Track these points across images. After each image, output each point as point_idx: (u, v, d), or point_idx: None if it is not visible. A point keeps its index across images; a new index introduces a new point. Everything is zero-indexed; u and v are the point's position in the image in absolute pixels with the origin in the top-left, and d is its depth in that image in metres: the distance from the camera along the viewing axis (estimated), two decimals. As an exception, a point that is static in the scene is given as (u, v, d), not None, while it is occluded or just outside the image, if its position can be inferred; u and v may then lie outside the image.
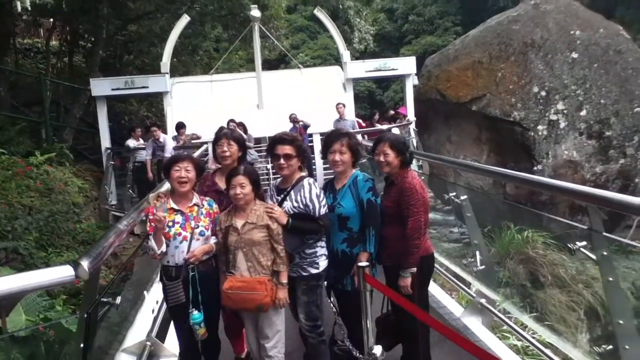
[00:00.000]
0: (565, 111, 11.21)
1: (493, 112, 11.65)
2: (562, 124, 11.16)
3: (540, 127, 11.15)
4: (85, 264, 2.42)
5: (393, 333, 3.84)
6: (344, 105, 12.37)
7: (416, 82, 14.64)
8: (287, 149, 3.68)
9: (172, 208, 3.67)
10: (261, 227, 3.52)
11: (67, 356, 5.57)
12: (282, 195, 3.75)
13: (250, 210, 3.58)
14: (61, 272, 2.32)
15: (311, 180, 3.78)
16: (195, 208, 3.72)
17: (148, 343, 4.34)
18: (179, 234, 3.62)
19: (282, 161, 3.67)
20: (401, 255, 3.70)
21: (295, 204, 3.66)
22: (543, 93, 11.34)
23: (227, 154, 4.00)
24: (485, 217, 6.97)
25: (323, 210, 3.66)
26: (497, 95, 11.68)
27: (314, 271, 3.68)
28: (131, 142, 12.59)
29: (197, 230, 3.64)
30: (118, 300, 3.35)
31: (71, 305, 6.85)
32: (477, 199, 6.58)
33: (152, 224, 3.52)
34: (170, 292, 3.58)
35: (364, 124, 14.34)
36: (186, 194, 3.71)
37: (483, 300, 4.74)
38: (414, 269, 3.69)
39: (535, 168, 10.93)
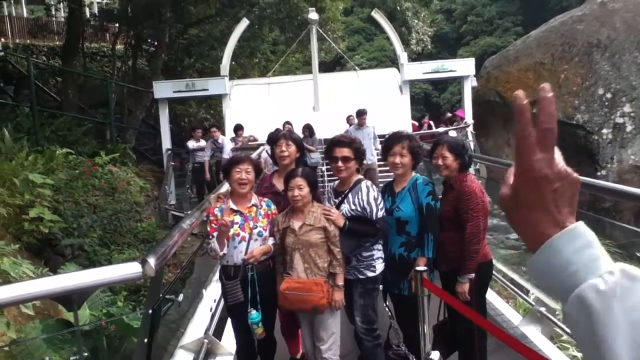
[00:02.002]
0: (632, 114, 10.75)
1: (555, 114, 11.32)
2: (629, 128, 10.70)
3: (604, 131, 10.74)
4: (151, 261, 2.51)
5: (449, 341, 3.79)
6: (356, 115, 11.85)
7: (475, 83, 14.36)
8: (345, 152, 3.68)
9: (231, 209, 3.70)
10: (318, 229, 3.53)
11: (127, 350, 5.79)
12: (339, 198, 3.76)
13: (308, 212, 3.59)
14: (129, 269, 2.39)
15: (369, 183, 3.78)
16: (254, 209, 3.75)
17: (205, 340, 4.45)
18: (238, 235, 3.65)
19: (340, 164, 3.68)
20: (459, 261, 3.64)
21: (353, 207, 3.67)
22: (608, 95, 10.92)
23: (286, 154, 4.01)
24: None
25: (380, 214, 3.65)
26: (560, 97, 11.33)
27: (370, 274, 3.68)
28: (191, 143, 12.92)
29: (255, 231, 3.67)
30: (180, 297, 3.46)
31: (131, 301, 7.11)
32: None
33: (215, 224, 3.57)
34: (229, 292, 3.62)
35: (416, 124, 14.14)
36: (245, 194, 3.74)
37: (542, 309, 4.61)
38: (472, 275, 3.63)
39: (598, 173, 10.53)
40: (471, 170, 4.56)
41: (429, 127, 13.98)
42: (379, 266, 3.72)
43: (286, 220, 3.64)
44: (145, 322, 2.84)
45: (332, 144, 3.78)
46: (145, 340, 2.86)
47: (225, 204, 3.75)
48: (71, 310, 4.40)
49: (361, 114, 10.57)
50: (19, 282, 2.02)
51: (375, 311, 3.76)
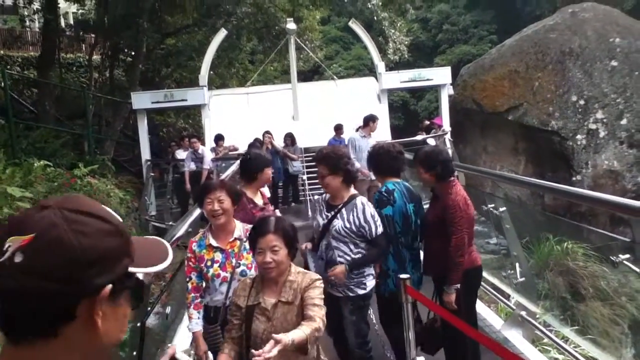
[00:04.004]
0: (605, 120, 11.04)
1: (530, 121, 11.55)
2: (602, 133, 10.98)
3: (579, 137, 11.01)
4: (140, 275, 2.53)
5: (439, 337, 3.83)
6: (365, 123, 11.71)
7: (451, 92, 14.59)
8: (321, 169, 3.69)
9: (210, 245, 3.30)
10: (299, 305, 2.62)
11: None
12: (332, 212, 3.69)
13: (284, 282, 2.67)
14: None
15: (364, 199, 3.71)
16: (237, 243, 3.31)
17: (192, 352, 4.46)
18: (218, 275, 3.26)
19: (321, 179, 3.70)
20: (445, 270, 3.69)
21: (348, 225, 3.59)
22: (582, 102, 11.20)
23: (219, 211, 3.28)
24: (523, 228, 6.91)
25: (379, 231, 3.61)
26: (535, 105, 11.58)
27: (361, 292, 3.66)
28: (180, 153, 12.78)
29: (238, 270, 3.25)
30: (168, 310, 3.47)
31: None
32: (515, 210, 6.53)
33: (192, 263, 3.28)
34: (210, 337, 3.30)
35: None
36: (224, 226, 3.31)
37: (523, 313, 4.71)
38: (458, 286, 3.68)
39: (574, 178, 10.78)
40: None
41: (439, 127, 14.05)
42: (369, 283, 3.71)
43: (253, 295, 2.69)
44: (135, 335, 2.86)
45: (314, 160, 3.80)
46: (135, 353, 2.89)
47: (205, 238, 3.33)
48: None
49: (373, 120, 9.11)
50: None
51: (367, 324, 3.80)
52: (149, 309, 2.97)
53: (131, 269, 0.91)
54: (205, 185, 3.49)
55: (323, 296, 2.65)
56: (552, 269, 7.52)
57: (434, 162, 3.82)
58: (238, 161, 10.43)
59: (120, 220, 0.95)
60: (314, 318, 2.48)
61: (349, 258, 3.60)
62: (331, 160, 3.65)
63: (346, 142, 9.52)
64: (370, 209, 3.62)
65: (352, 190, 3.74)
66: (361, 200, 3.66)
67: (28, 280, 0.80)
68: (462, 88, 13.66)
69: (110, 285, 0.86)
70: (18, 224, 0.86)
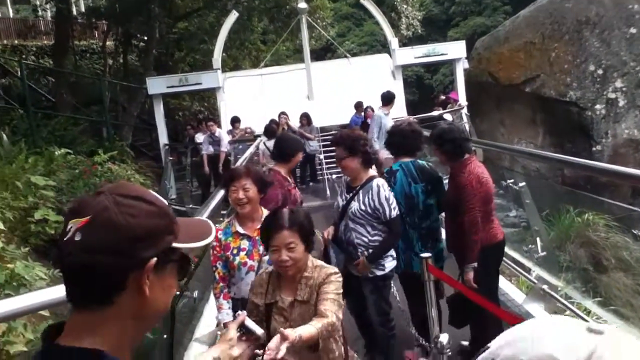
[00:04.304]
0: (624, 89, 10.86)
1: (547, 92, 11.41)
2: (621, 102, 10.82)
3: (598, 107, 10.86)
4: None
5: (463, 313, 3.84)
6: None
7: (467, 65, 14.44)
8: (339, 151, 3.72)
9: (237, 232, 3.20)
10: (313, 302, 2.48)
11: (140, 346, 5.90)
12: (351, 194, 3.73)
13: (300, 279, 2.52)
14: None
15: (381, 181, 3.70)
16: None
17: (218, 332, 4.56)
18: (245, 264, 3.16)
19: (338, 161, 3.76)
20: (463, 249, 3.74)
21: (363, 207, 3.61)
22: (600, 71, 11.02)
23: (244, 200, 3.21)
24: (543, 200, 6.89)
25: (394, 214, 3.61)
26: (552, 76, 11.42)
27: (379, 273, 3.71)
28: (199, 137, 12.85)
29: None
30: (195, 293, 3.56)
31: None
32: (534, 183, 6.52)
33: (217, 252, 3.18)
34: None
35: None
36: (250, 213, 3.21)
37: (545, 287, 4.73)
38: (475, 264, 3.71)
39: (594, 149, 10.67)
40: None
41: (455, 101, 13.96)
42: (389, 264, 3.75)
43: (269, 293, 2.56)
44: (165, 318, 2.95)
45: (332, 142, 3.83)
46: (166, 335, 2.98)
47: (231, 225, 3.23)
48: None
49: (391, 98, 9.12)
50: (45, 288, 2.09)
51: (387, 303, 3.85)
52: (179, 292, 3.05)
53: (174, 245, 1.03)
54: (231, 173, 3.38)
55: (340, 290, 2.51)
56: (573, 241, 7.51)
57: (444, 141, 3.82)
58: (255, 143, 10.54)
59: (166, 203, 1.08)
60: (326, 313, 2.35)
61: (365, 240, 3.63)
62: (348, 141, 3.66)
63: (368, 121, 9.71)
64: (385, 192, 3.62)
65: (371, 172, 3.76)
66: (377, 182, 3.65)
67: (86, 256, 0.94)
68: (477, 61, 13.49)
69: (155, 259, 0.98)
70: (78, 208, 1.00)
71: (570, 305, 4.63)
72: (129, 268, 0.97)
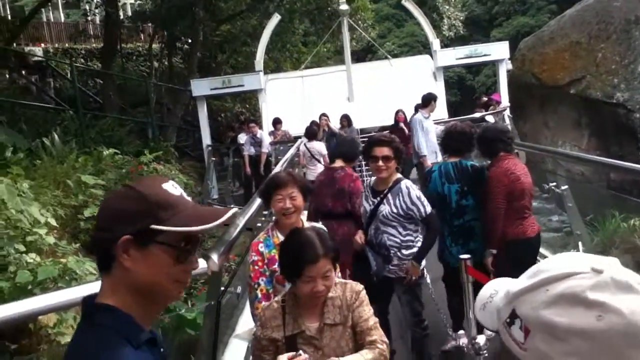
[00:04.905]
0: (674, 90, 10.53)
1: (594, 94, 11.14)
2: (672, 104, 10.48)
3: (646, 109, 10.55)
4: (214, 257, 2.72)
5: None
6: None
7: (510, 67, 14.22)
8: (386, 151, 3.66)
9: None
10: (345, 325, 2.30)
11: (181, 341, 6.08)
12: (378, 198, 3.76)
13: (325, 300, 2.30)
14: None
15: (409, 182, 3.79)
16: None
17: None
18: None
19: (380, 163, 3.65)
20: (486, 235, 4.06)
21: (395, 210, 3.67)
22: (649, 72, 10.71)
23: (291, 209, 3.02)
24: (587, 204, 6.78)
25: (429, 209, 3.69)
26: (598, 77, 11.15)
27: None
28: (242, 137, 13.02)
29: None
30: (239, 289, 3.67)
31: (184, 293, 7.41)
32: (578, 186, 6.41)
33: (259, 267, 2.92)
34: None
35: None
36: (295, 223, 3.00)
37: (587, 292, 4.66)
38: (494, 251, 3.96)
39: (641, 152, 10.36)
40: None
41: (497, 103, 13.78)
42: (421, 265, 3.80)
43: (290, 322, 2.28)
44: (211, 313, 3.06)
45: (372, 143, 3.78)
46: (212, 329, 3.10)
47: (272, 237, 2.99)
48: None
49: (435, 99, 8.93)
50: (94, 282, 2.23)
51: (421, 302, 3.89)
52: (223, 288, 3.16)
53: (155, 227, 1.18)
54: (275, 181, 3.14)
55: (372, 309, 2.40)
56: (618, 247, 7.33)
57: (480, 139, 4.25)
58: (296, 145, 10.66)
59: (177, 194, 1.24)
60: (375, 343, 2.24)
61: (398, 240, 3.71)
62: (396, 144, 3.73)
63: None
64: (415, 191, 3.73)
65: (397, 175, 3.81)
66: (405, 184, 3.73)
67: (94, 232, 1.29)
68: (521, 62, 13.28)
69: (127, 236, 1.17)
70: None
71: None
72: (109, 241, 1.17)
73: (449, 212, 4.15)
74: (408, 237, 3.72)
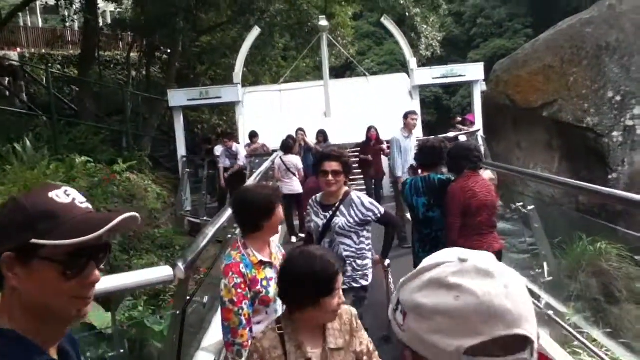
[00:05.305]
0: (642, 117, 10.83)
1: (565, 117, 11.41)
2: (639, 130, 10.77)
3: (615, 134, 10.83)
4: (181, 265, 2.71)
5: None
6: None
7: (484, 88, 14.47)
8: (335, 165, 3.71)
9: (260, 261, 2.83)
10: (350, 349, 2.25)
11: (147, 354, 5.97)
12: (330, 212, 3.80)
13: (325, 324, 2.24)
14: (162, 272, 2.63)
15: (358, 193, 3.95)
16: (277, 256, 2.96)
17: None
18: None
19: (330, 177, 3.70)
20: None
21: (351, 220, 3.73)
22: (618, 98, 11.01)
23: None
24: (556, 227, 6.88)
25: (382, 210, 3.85)
26: (569, 101, 11.43)
27: (364, 283, 3.80)
28: (218, 149, 12.89)
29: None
30: (205, 299, 3.64)
31: (151, 306, 7.31)
32: (547, 209, 6.51)
33: (242, 290, 2.70)
34: None
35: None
36: (265, 239, 2.95)
37: (551, 312, 4.73)
38: None
39: (610, 176, 10.62)
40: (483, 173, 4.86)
41: (472, 123, 13.98)
42: (370, 275, 3.87)
43: (292, 351, 2.15)
44: (175, 323, 3.04)
45: (322, 158, 3.83)
46: (175, 338, 3.06)
47: (247, 255, 2.81)
48: (108, 310, 4.64)
49: (405, 116, 8.57)
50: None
51: (362, 319, 3.91)
52: (188, 297, 3.13)
53: (35, 241, 1.08)
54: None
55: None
56: (585, 270, 7.46)
57: (448, 157, 4.45)
58: (271, 158, 10.66)
59: (67, 201, 1.14)
60: None
61: (353, 249, 3.77)
62: (345, 159, 3.81)
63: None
64: (366, 198, 3.85)
65: (345, 188, 3.89)
66: (356, 194, 3.86)
67: None
68: (495, 84, 13.55)
69: (8, 253, 1.08)
70: None
71: (577, 335, 4.60)
72: None
73: (417, 221, 4.59)
74: (362, 245, 3.80)
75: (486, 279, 0.81)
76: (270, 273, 2.79)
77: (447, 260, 0.85)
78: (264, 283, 2.76)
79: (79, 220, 1.11)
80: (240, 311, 2.66)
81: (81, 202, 1.16)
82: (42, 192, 1.14)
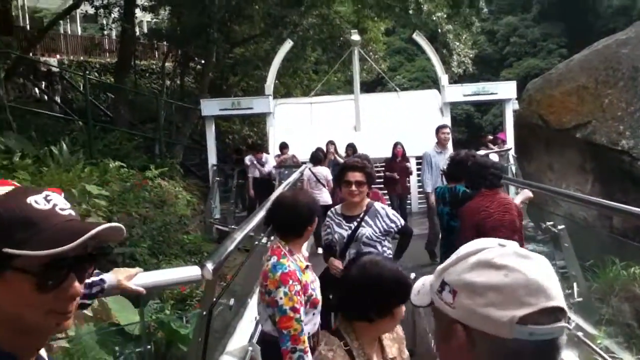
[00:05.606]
0: (679, 140, 10.58)
1: (599, 139, 11.20)
2: (676, 154, 10.53)
3: (651, 157, 10.58)
4: (209, 265, 2.75)
5: None
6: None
7: (516, 107, 14.34)
8: (358, 176, 3.74)
9: (307, 266, 2.93)
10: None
11: (172, 357, 6.04)
12: (354, 223, 3.81)
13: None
14: (191, 272, 2.70)
15: (380, 204, 4.03)
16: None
17: (250, 348, 4.63)
18: (318, 301, 2.87)
19: (353, 188, 3.73)
20: None
21: (377, 230, 3.79)
22: (655, 121, 10.78)
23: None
24: (588, 250, 6.77)
25: (402, 222, 3.97)
26: (604, 122, 11.22)
27: None
28: (249, 158, 12.95)
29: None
30: (232, 302, 3.67)
31: (178, 310, 7.41)
32: (579, 230, 6.41)
33: (299, 296, 2.71)
34: None
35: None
36: (302, 245, 3.03)
37: (580, 334, 4.64)
38: None
39: (644, 200, 10.36)
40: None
41: (503, 142, 13.92)
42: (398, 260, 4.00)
43: None
44: (201, 322, 3.07)
45: (345, 168, 3.89)
46: (201, 339, 3.10)
47: (296, 260, 2.86)
48: (137, 306, 4.75)
49: (436, 131, 8.38)
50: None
51: None
52: (214, 299, 3.16)
53: (6, 250, 0.98)
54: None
55: None
56: (618, 295, 7.29)
57: (467, 173, 4.56)
58: (300, 169, 10.73)
59: (47, 207, 1.04)
60: None
61: None
62: (369, 170, 3.83)
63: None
64: (389, 210, 3.96)
65: (367, 199, 3.94)
66: (379, 205, 3.94)
67: None
68: (528, 103, 13.40)
69: None
70: None
71: (608, 358, 4.51)
72: None
73: (443, 228, 5.01)
74: (384, 255, 3.85)
75: (526, 260, 0.95)
76: (312, 275, 2.92)
77: (487, 246, 0.99)
78: (312, 286, 2.86)
79: (58, 228, 1.01)
80: (301, 318, 2.70)
81: (63, 208, 1.07)
82: (20, 197, 1.04)
